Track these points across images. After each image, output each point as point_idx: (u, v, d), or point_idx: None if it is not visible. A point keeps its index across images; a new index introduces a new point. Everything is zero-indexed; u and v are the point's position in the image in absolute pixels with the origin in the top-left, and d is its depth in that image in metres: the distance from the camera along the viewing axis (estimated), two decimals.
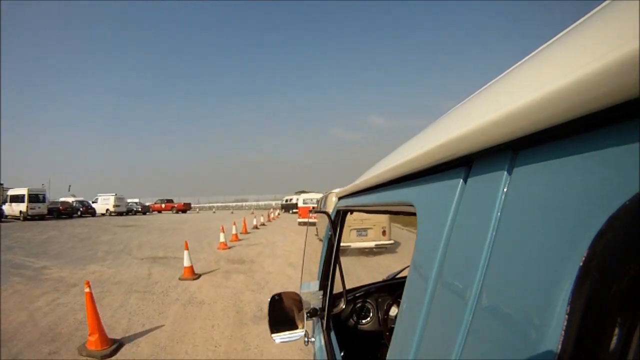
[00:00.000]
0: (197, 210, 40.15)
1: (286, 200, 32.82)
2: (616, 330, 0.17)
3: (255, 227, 15.14)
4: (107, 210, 27.92)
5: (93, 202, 28.82)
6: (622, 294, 0.18)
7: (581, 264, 0.20)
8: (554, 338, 0.21)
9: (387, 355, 0.52)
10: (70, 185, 42.19)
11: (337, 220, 1.39)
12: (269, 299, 1.29)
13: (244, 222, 14.10)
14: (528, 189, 0.27)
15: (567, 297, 0.20)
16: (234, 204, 45.49)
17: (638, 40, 0.16)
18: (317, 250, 6.60)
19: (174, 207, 34.06)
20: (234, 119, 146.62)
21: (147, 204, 35.46)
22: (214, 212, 34.40)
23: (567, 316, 0.20)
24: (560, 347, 0.20)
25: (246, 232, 13.21)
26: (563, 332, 0.20)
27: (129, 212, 29.79)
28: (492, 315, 0.28)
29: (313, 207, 14.13)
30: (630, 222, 0.18)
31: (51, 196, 27.77)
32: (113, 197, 28.15)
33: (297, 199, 23.40)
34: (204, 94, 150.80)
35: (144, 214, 30.93)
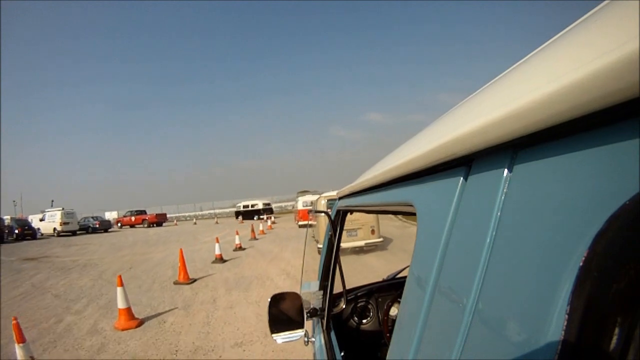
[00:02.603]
0: (175, 221, 31.41)
1: (244, 207, 25.92)
2: (616, 330, 0.17)
3: (219, 260, 8.02)
4: (55, 229, 21.68)
5: (40, 220, 22.93)
6: (622, 294, 0.18)
7: (581, 264, 0.20)
8: (554, 338, 0.21)
9: (387, 355, 0.52)
10: (52, 201, 36.30)
11: (337, 220, 1.37)
12: (269, 299, 1.27)
13: (180, 261, 6.45)
14: (528, 189, 0.27)
15: (567, 297, 0.20)
16: (230, 209, 38.53)
17: (638, 40, 0.16)
18: (313, 249, 5.63)
19: (145, 219, 26.45)
20: (230, 124, 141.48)
21: (114, 217, 29.07)
22: (195, 224, 26.92)
23: (567, 316, 0.20)
24: (560, 347, 0.20)
25: (186, 281, 6.20)
26: (563, 332, 0.20)
27: (85, 229, 23.50)
28: (492, 315, 0.28)
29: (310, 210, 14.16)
30: (630, 222, 0.18)
31: (25, 212, 22.54)
32: (60, 212, 21.92)
33: (296, 201, 20.24)
34: (195, 99, 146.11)
35: (106, 230, 24.43)
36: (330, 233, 1.41)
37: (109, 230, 24.89)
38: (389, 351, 0.51)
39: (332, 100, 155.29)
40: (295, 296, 1.27)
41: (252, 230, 13.14)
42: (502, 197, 0.29)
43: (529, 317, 0.23)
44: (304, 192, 22.49)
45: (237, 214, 26.50)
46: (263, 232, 14.64)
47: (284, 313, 1.25)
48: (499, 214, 0.29)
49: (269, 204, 26.71)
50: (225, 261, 8.18)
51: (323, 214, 1.37)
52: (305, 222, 15.31)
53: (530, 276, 0.24)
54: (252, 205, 25.91)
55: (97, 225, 23.87)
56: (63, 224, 21.86)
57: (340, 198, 1.33)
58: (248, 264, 7.73)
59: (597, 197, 0.20)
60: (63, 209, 22.46)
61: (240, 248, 10.07)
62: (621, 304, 0.18)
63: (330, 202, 7.05)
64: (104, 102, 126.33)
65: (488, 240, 0.30)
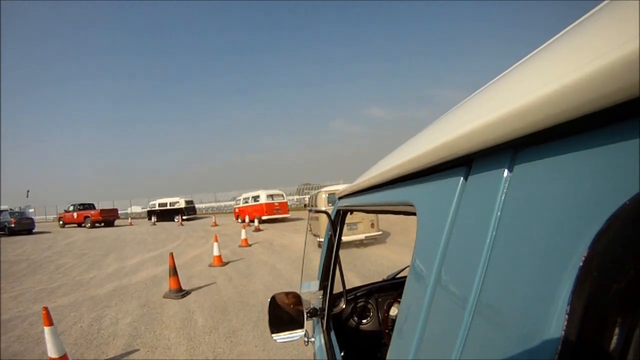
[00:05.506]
0: (130, 220, 22.67)
1: (161, 205, 20.30)
2: (616, 330, 0.17)
3: None
4: None
5: None
6: (622, 294, 0.18)
7: (581, 264, 0.20)
8: (554, 338, 0.21)
9: (387, 355, 0.51)
10: (28, 191, 30.71)
11: (337, 220, 1.37)
12: (269, 299, 1.27)
13: None
14: (528, 189, 0.27)
15: (567, 297, 0.20)
16: (217, 204, 30.85)
17: (638, 40, 0.16)
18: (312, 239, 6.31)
19: (88, 217, 19.24)
20: (230, 120, 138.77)
21: (61, 211, 21.96)
22: (154, 224, 19.20)
23: (567, 316, 0.20)
24: (560, 347, 0.20)
25: None
26: (563, 332, 0.20)
27: (2, 229, 17.54)
28: (492, 315, 0.28)
29: (306, 205, 14.60)
30: (630, 222, 0.18)
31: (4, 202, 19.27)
32: None
33: (238, 198, 16.65)
34: (196, 95, 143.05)
35: (29, 232, 18.04)
36: (330, 233, 1.40)
37: (33, 231, 18.54)
38: (389, 351, 0.51)
39: (333, 96, 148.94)
40: (295, 296, 1.27)
41: (173, 276, 5.03)
42: (502, 197, 0.29)
43: (529, 316, 0.23)
44: (306, 186, 20.18)
45: (150, 214, 20.63)
46: (219, 262, 6.82)
47: (283, 313, 1.25)
48: (499, 214, 0.29)
49: (191, 202, 21.27)
50: None
51: (323, 214, 1.36)
52: (270, 217, 14.66)
53: (530, 276, 0.24)
54: (172, 204, 19.94)
55: (13, 225, 17.37)
56: None
57: (340, 198, 1.32)
58: None
59: (597, 197, 0.20)
60: None
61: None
62: (621, 304, 0.18)
63: (331, 195, 7.54)
64: (102, 97, 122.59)
65: (488, 240, 0.30)
